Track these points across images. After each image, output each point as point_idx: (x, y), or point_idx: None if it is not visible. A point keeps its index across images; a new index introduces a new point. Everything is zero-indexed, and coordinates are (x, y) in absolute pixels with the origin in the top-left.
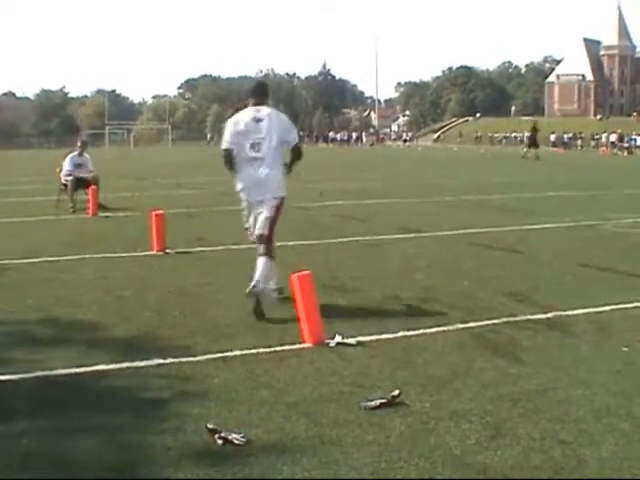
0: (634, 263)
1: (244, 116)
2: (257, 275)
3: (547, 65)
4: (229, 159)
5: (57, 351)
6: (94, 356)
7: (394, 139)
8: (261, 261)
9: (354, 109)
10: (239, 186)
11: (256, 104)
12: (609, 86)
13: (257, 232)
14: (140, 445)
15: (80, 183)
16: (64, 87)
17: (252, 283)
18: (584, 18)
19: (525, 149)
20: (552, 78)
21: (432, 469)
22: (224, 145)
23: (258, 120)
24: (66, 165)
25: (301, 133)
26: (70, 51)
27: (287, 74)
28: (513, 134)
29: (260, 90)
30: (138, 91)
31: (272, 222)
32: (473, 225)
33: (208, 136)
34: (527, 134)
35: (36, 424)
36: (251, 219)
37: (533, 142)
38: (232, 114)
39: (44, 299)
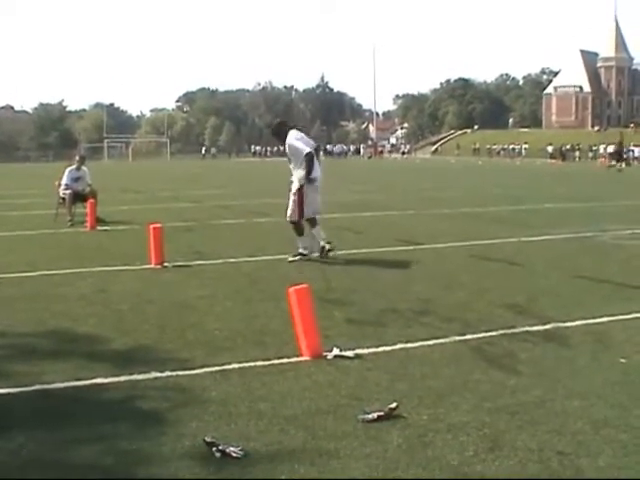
0: (632, 274)
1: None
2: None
3: (544, 77)
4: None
5: (55, 364)
6: (92, 369)
7: (389, 151)
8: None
9: (352, 122)
10: (315, 175)
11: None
12: (606, 98)
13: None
14: (138, 458)
15: (78, 197)
16: (62, 101)
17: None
18: (581, 30)
19: (613, 162)
20: (550, 90)
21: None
22: (307, 149)
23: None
24: (64, 179)
25: None
26: (68, 65)
27: (285, 87)
28: (511, 146)
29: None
30: (136, 104)
31: None
32: (471, 237)
33: (203, 149)
34: (613, 147)
35: (35, 437)
36: (318, 198)
37: (619, 155)
38: (284, 127)
39: (42, 312)
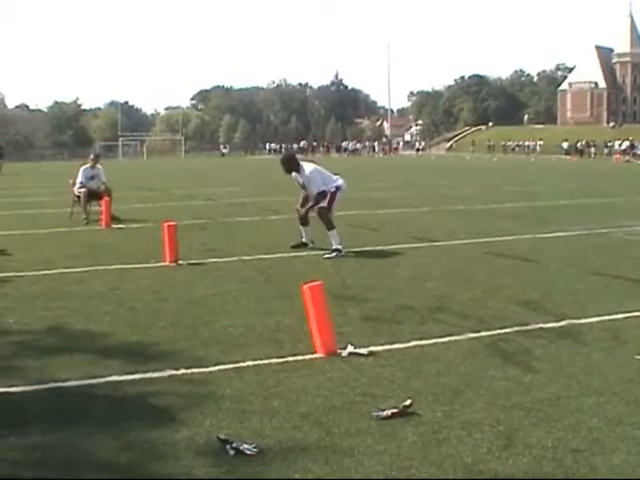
0: None
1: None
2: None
3: (559, 73)
4: None
5: (70, 362)
6: (107, 367)
7: (403, 148)
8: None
9: (367, 119)
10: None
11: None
12: (622, 93)
13: None
14: (152, 455)
15: (93, 195)
16: (77, 99)
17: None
18: (596, 26)
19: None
20: (564, 86)
21: (444, 478)
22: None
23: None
24: (79, 177)
25: (314, 143)
26: (83, 63)
27: (299, 84)
28: (526, 142)
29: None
30: (151, 103)
31: None
32: (485, 234)
33: (222, 147)
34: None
35: (50, 434)
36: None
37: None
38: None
39: (57, 310)
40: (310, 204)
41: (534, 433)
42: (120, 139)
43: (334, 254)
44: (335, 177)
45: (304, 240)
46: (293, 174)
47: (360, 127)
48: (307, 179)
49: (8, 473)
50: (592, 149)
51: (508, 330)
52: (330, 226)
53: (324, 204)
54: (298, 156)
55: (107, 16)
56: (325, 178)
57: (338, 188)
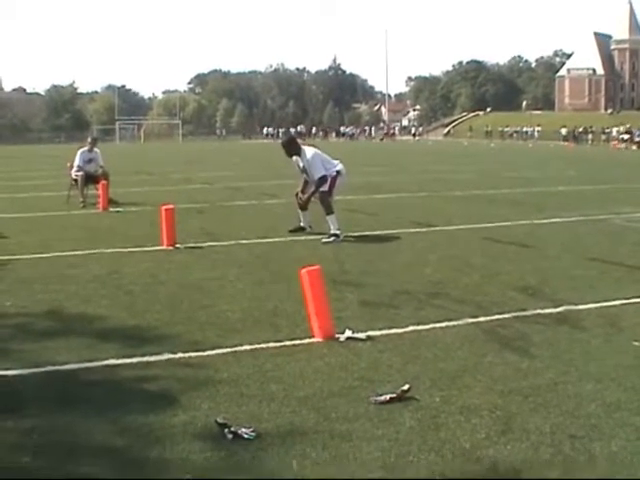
0: None
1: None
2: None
3: (557, 59)
4: None
5: (67, 346)
6: (104, 350)
7: (400, 133)
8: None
9: (365, 104)
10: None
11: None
12: (620, 80)
13: None
14: (149, 439)
15: (90, 178)
16: (74, 82)
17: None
18: (595, 12)
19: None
20: (563, 72)
21: (442, 463)
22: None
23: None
24: (76, 160)
25: (314, 129)
26: (80, 46)
27: (297, 69)
28: (524, 128)
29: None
30: (148, 86)
31: None
32: (483, 219)
33: (217, 131)
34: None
35: (46, 419)
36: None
37: None
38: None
39: (54, 294)
40: (311, 190)
41: (532, 419)
42: (117, 123)
43: (332, 239)
44: (335, 162)
45: (302, 224)
46: (294, 158)
47: (358, 112)
48: (308, 163)
49: (5, 457)
50: (590, 135)
51: (506, 316)
52: (329, 210)
53: (325, 188)
54: (298, 140)
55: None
56: (326, 162)
57: (339, 173)
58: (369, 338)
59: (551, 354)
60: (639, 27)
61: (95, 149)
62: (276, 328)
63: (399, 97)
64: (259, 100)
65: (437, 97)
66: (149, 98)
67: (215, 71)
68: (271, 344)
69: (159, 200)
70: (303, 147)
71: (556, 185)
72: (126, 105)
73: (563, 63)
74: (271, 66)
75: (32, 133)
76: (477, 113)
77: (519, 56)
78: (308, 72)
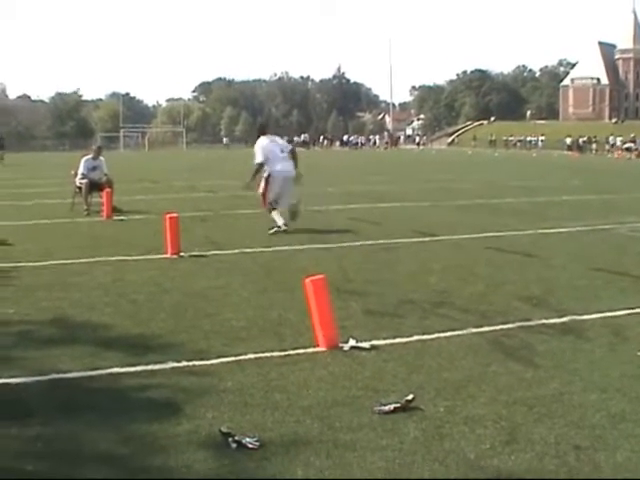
0: None
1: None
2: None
3: (562, 69)
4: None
5: (71, 353)
6: (108, 359)
7: (404, 142)
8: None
9: (369, 112)
10: (276, 169)
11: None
12: (624, 90)
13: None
14: (153, 448)
15: (94, 186)
16: (78, 90)
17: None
18: (599, 22)
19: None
20: (567, 82)
21: (446, 473)
22: (259, 160)
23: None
24: (81, 168)
25: (321, 138)
26: (84, 54)
27: (302, 77)
28: (528, 138)
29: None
30: (152, 94)
31: None
32: (487, 229)
33: (224, 139)
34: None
35: (50, 427)
36: (277, 189)
37: None
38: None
39: (58, 301)
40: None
41: (537, 429)
42: (121, 130)
43: (274, 230)
44: (280, 161)
45: (279, 224)
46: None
47: (362, 121)
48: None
49: (9, 464)
50: (594, 145)
51: (510, 325)
52: (269, 210)
53: (260, 190)
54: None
55: (109, 7)
56: (269, 159)
57: (271, 174)
58: (373, 347)
59: (555, 364)
60: None
61: (100, 157)
62: (280, 337)
63: (403, 106)
64: (263, 109)
65: (441, 106)
66: (153, 106)
67: (219, 79)
68: (275, 353)
69: (163, 208)
70: (261, 137)
71: (560, 195)
72: (130, 113)
73: (567, 72)
74: (275, 74)
75: (36, 141)
76: (481, 122)
77: (523, 65)
78: (312, 81)
